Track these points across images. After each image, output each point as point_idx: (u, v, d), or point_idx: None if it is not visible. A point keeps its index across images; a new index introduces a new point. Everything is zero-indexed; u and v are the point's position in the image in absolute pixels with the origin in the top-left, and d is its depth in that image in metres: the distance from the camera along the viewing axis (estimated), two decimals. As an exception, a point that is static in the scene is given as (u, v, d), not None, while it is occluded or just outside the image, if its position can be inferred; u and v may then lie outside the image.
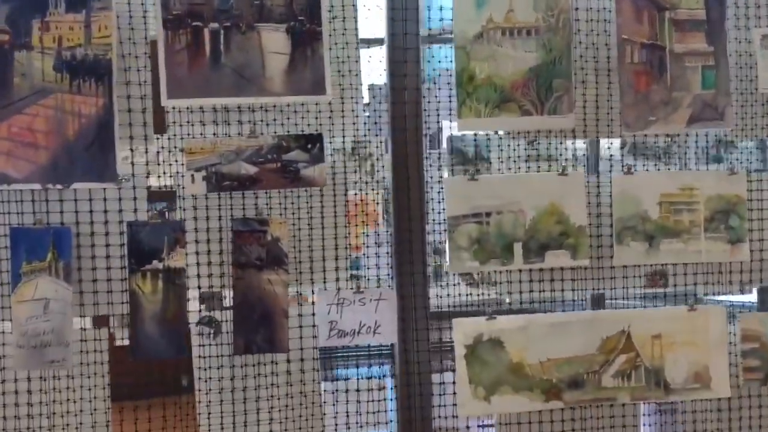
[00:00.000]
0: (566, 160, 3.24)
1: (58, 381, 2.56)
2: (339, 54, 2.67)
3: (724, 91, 2.93)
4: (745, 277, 3.09)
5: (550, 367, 2.90)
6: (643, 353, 2.97)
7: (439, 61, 2.96)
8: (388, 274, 2.82)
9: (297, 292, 2.74)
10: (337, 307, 2.73)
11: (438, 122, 2.85)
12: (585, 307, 3.15)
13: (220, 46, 2.54)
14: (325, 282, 2.74)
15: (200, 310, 2.69)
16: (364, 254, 2.81)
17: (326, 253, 2.72)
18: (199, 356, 2.69)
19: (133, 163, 2.54)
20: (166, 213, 2.76)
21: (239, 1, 2.55)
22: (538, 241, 2.86)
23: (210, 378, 2.70)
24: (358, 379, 2.88)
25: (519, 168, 2.94)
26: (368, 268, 2.82)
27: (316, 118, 2.68)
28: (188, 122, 2.59)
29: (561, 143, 3.30)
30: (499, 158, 3.52)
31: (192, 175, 2.55)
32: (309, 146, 2.62)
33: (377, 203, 3.20)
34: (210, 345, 2.70)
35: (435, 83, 2.78)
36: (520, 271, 2.90)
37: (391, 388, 2.87)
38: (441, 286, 3.01)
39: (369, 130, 2.77)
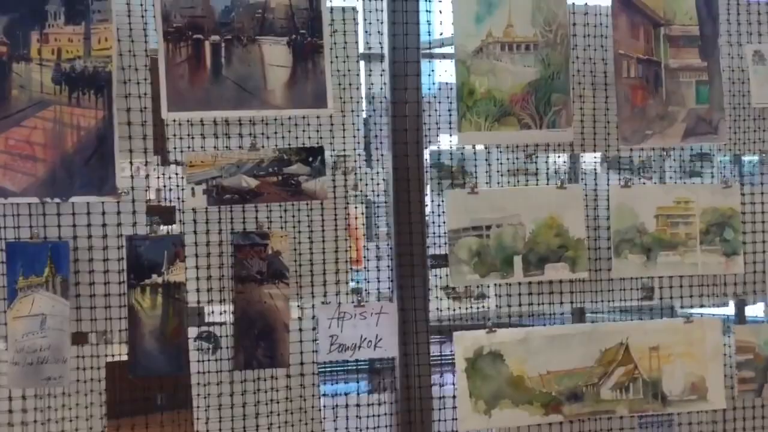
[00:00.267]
0: (558, 173, 3.15)
1: (54, 399, 2.40)
2: (340, 67, 2.57)
3: (718, 106, 2.87)
4: (727, 290, 3.01)
5: (549, 380, 2.80)
6: (641, 365, 2.87)
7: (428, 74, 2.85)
8: (389, 288, 2.70)
9: (297, 306, 2.60)
10: (338, 321, 2.61)
11: (438, 136, 2.74)
12: (565, 321, 3.07)
13: (221, 58, 2.42)
14: (325, 296, 2.62)
15: (199, 326, 2.55)
16: (365, 267, 2.69)
17: (327, 267, 2.60)
18: (198, 372, 2.55)
19: (132, 176, 2.41)
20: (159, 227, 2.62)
21: (240, 13, 2.44)
22: (538, 253, 2.76)
23: (209, 394, 2.55)
24: (357, 393, 2.75)
25: (508, 182, 2.85)
26: (369, 282, 2.70)
27: (317, 131, 2.56)
28: (189, 135, 2.47)
29: (546, 158, 3.22)
30: (487, 172, 3.43)
31: (192, 189, 2.43)
32: (310, 159, 2.50)
33: (355, 218, 3.09)
34: (209, 360, 2.56)
35: (435, 97, 2.67)
36: (510, 284, 2.79)
37: (392, 403, 2.74)
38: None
39: (370, 143, 2.66)
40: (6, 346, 2.33)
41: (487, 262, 2.72)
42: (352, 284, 2.71)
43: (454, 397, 2.76)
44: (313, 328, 2.63)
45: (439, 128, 2.72)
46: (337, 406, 2.72)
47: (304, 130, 2.55)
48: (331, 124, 2.58)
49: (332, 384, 3.25)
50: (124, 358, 2.45)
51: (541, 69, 2.70)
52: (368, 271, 2.70)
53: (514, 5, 2.68)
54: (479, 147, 2.90)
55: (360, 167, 2.67)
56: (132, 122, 2.42)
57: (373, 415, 2.72)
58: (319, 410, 2.66)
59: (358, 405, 2.73)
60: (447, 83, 2.72)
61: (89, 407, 2.44)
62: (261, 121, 2.51)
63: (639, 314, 3.29)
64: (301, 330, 2.62)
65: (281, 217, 2.56)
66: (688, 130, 2.86)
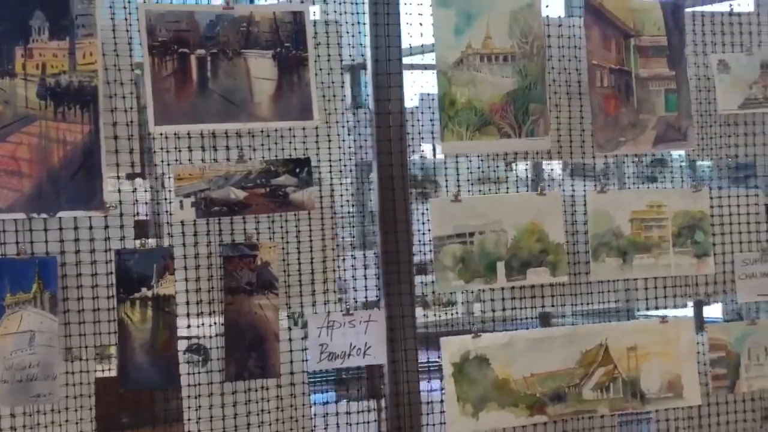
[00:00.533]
0: (522, 181, 3.12)
1: (44, 416, 2.28)
2: (324, 79, 2.50)
3: (686, 113, 2.87)
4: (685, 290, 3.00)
5: (533, 382, 2.76)
6: (620, 365, 2.85)
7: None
8: (377, 296, 2.64)
9: (287, 316, 2.52)
10: (327, 330, 2.53)
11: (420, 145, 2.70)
12: (533, 326, 3.02)
13: (207, 72, 2.35)
14: (314, 305, 2.54)
15: (189, 338, 2.45)
16: (352, 276, 2.62)
17: (315, 276, 2.53)
18: (189, 384, 2.45)
19: (120, 191, 2.31)
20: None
21: (225, 27, 2.37)
22: (520, 259, 2.72)
23: (200, 406, 2.45)
24: (347, 401, 2.68)
25: (469, 190, 2.82)
26: (356, 290, 2.63)
27: (303, 142, 2.50)
28: (176, 148, 2.38)
29: (506, 167, 3.18)
30: (462, 180, 3.38)
31: (181, 201, 2.34)
32: (297, 170, 2.43)
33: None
34: (199, 373, 2.46)
35: (418, 107, 2.63)
36: (493, 290, 2.74)
37: (382, 410, 2.67)
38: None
39: (355, 153, 2.60)
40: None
41: (471, 268, 2.68)
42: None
43: (441, 401, 2.70)
44: (303, 338, 2.55)
45: (422, 138, 2.67)
46: (327, 414, 2.64)
47: (290, 142, 2.48)
48: (317, 135, 2.51)
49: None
50: (114, 372, 2.34)
51: (518, 79, 2.67)
52: (356, 279, 2.63)
53: (491, 18, 2.65)
54: (439, 156, 2.86)
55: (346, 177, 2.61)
56: (118, 136, 2.33)
57: (364, 422, 2.64)
58: (311, 419, 2.58)
59: (348, 412, 2.65)
60: (429, 94, 2.68)
61: (79, 423, 2.33)
62: (248, 133, 2.43)
63: (602, 317, 3.28)
64: (290, 340, 2.53)
65: (269, 228, 2.48)
66: (658, 136, 2.85)
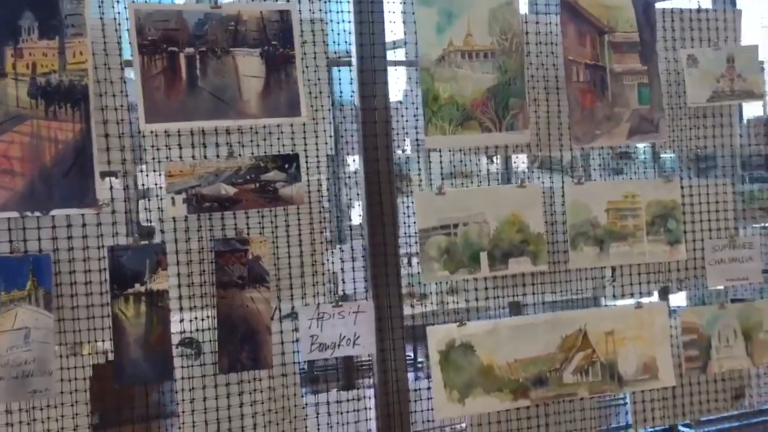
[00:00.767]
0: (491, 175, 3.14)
1: (40, 411, 2.25)
2: (310, 76, 2.50)
3: (658, 106, 2.92)
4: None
5: (517, 368, 2.78)
6: (598, 349, 2.89)
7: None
8: (365, 288, 2.64)
9: (277, 308, 2.52)
10: (318, 321, 2.53)
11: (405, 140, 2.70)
12: (503, 315, 3.04)
13: (196, 70, 2.33)
14: (304, 297, 2.54)
15: (182, 332, 2.44)
16: (341, 269, 2.62)
17: (305, 269, 2.52)
18: (182, 377, 2.44)
19: (111, 188, 2.28)
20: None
21: (214, 26, 2.35)
22: (502, 249, 2.75)
23: (194, 399, 2.44)
24: (337, 391, 2.68)
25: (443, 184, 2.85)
26: (345, 282, 2.63)
27: (291, 138, 2.49)
28: (166, 146, 2.36)
29: (478, 161, 3.21)
30: (431, 175, 3.41)
31: (172, 198, 2.32)
32: (286, 166, 2.43)
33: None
34: (192, 366, 2.45)
35: (402, 103, 2.63)
36: (486, 278, 2.77)
37: (371, 398, 2.67)
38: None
39: (342, 148, 2.59)
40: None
41: (456, 258, 2.70)
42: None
43: (429, 388, 2.71)
44: (293, 330, 2.55)
45: (406, 133, 2.67)
46: (318, 403, 2.64)
47: (278, 138, 2.47)
48: (304, 132, 2.51)
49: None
50: (110, 366, 2.31)
51: (498, 75, 2.69)
52: (344, 272, 2.63)
53: (472, 16, 2.66)
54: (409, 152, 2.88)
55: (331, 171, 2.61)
56: (109, 134, 2.30)
57: (354, 410, 2.65)
58: (303, 408, 2.58)
59: (338, 401, 2.66)
60: (412, 90, 2.68)
61: (75, 417, 2.30)
62: (237, 130, 2.42)
63: (578, 305, 3.32)
64: (281, 332, 2.53)
65: (259, 222, 2.47)
66: (632, 129, 2.89)
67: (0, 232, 2.22)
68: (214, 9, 2.35)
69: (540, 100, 2.82)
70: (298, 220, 2.52)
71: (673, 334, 3.02)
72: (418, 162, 2.80)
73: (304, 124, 2.49)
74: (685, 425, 3.48)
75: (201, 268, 2.42)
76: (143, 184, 2.36)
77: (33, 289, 2.19)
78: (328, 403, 2.63)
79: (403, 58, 2.80)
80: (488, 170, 3.11)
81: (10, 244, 2.21)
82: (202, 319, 2.45)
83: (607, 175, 3.59)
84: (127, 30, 2.27)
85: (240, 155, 2.41)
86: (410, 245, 2.85)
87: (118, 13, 2.27)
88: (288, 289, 2.52)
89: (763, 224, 3.22)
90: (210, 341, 2.44)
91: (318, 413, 2.62)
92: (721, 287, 3.23)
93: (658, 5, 2.96)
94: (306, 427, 2.58)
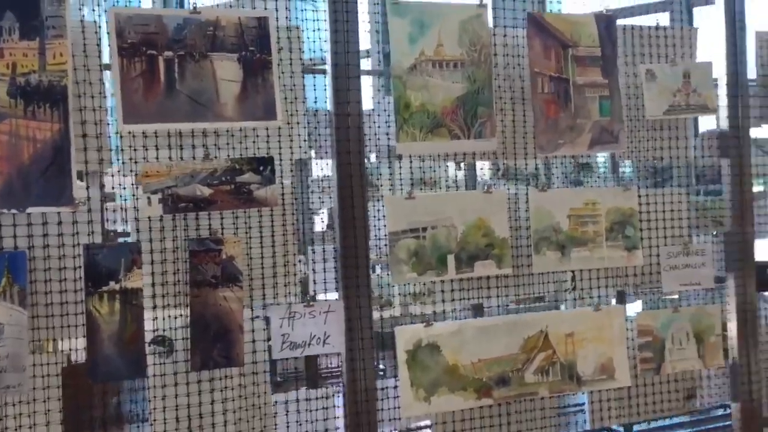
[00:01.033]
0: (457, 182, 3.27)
1: (12, 407, 2.28)
2: (286, 82, 2.58)
3: (618, 118, 3.06)
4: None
5: (481, 368, 2.89)
6: (558, 350, 3.01)
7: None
8: (336, 288, 2.72)
9: (250, 307, 2.58)
10: (289, 320, 2.60)
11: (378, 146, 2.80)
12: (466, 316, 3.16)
13: (175, 73, 2.39)
14: (276, 297, 2.61)
15: (155, 330, 2.49)
16: (312, 270, 2.70)
17: (277, 270, 2.59)
18: (154, 375, 2.49)
19: (88, 187, 2.33)
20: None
21: (192, 31, 2.41)
22: (468, 252, 2.85)
23: (165, 396, 2.49)
24: (306, 389, 2.75)
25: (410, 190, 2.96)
26: (316, 283, 2.71)
27: (266, 141, 2.56)
28: (144, 147, 2.41)
29: (446, 168, 3.34)
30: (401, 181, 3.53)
31: (148, 198, 2.37)
32: (261, 168, 2.50)
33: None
34: (164, 364, 2.50)
35: (374, 110, 2.72)
36: (452, 281, 2.88)
37: (339, 396, 2.75)
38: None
39: (315, 153, 2.67)
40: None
41: (424, 261, 2.79)
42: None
43: (396, 387, 2.80)
44: (265, 329, 2.61)
45: (378, 139, 2.76)
46: (288, 401, 2.71)
47: (254, 141, 2.54)
48: (279, 135, 2.58)
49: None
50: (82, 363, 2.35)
51: (468, 85, 2.80)
52: (315, 273, 2.71)
53: (443, 27, 2.77)
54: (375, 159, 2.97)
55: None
56: (87, 134, 2.34)
57: (322, 408, 2.72)
58: (272, 406, 2.64)
59: (307, 399, 2.73)
60: (384, 98, 2.77)
61: (47, 414, 2.33)
62: (214, 132, 2.49)
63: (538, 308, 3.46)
64: (253, 330, 2.60)
65: (234, 223, 2.54)
66: (593, 139, 3.03)
67: (-24, 229, 2.24)
68: (193, 14, 2.41)
69: (506, 109, 2.94)
70: (272, 221, 2.59)
71: (629, 336, 3.16)
72: (389, 168, 2.89)
73: (279, 128, 2.57)
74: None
75: (175, 267, 2.47)
76: (120, 184, 2.40)
77: (8, 286, 2.23)
78: (297, 401, 2.70)
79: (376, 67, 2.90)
80: (456, 177, 3.23)
81: (-14, 240, 2.24)
82: (176, 318, 2.50)
83: (569, 185, 3.75)
84: (108, 33, 2.31)
85: (216, 157, 2.47)
86: (377, 251, 2.95)
87: (99, 16, 2.32)
88: (260, 289, 2.59)
89: (714, 233, 3.38)
90: (183, 339, 2.49)
91: (287, 411, 2.68)
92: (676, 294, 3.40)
93: (620, 22, 3.10)
94: (275, 424, 2.65)
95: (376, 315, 3.18)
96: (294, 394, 2.73)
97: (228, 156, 2.50)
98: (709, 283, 3.30)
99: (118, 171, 2.41)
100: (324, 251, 2.73)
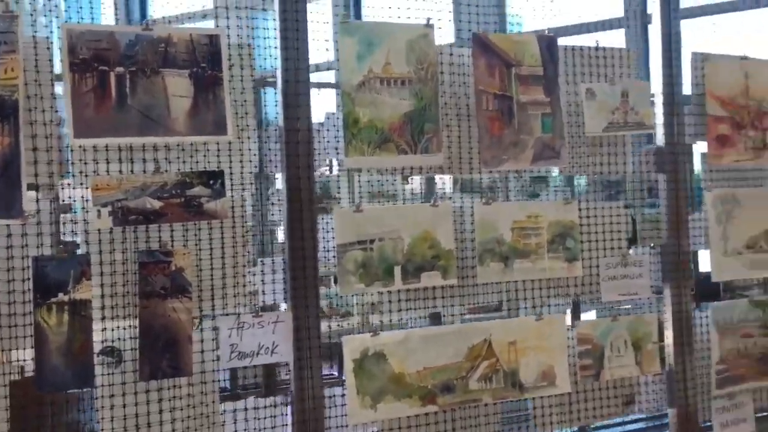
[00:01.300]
0: (415, 195, 3.40)
1: (-40, 418, 2.33)
2: (237, 97, 2.67)
3: (560, 135, 3.22)
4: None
5: (426, 376, 3.01)
6: (501, 358, 3.15)
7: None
8: (284, 299, 2.82)
9: (199, 318, 2.66)
10: (238, 330, 2.69)
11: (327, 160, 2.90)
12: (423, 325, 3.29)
13: (126, 88, 2.46)
14: (225, 308, 2.69)
15: (104, 341, 2.55)
16: (261, 281, 2.79)
17: (227, 281, 2.68)
18: (103, 385, 2.55)
19: (38, 200, 2.38)
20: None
21: (144, 47, 2.49)
22: (415, 263, 2.98)
23: (113, 406, 2.55)
24: (255, 398, 2.84)
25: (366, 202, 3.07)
26: (265, 294, 2.80)
27: (217, 156, 2.65)
28: (94, 160, 2.48)
29: (403, 182, 3.48)
30: (359, 194, 3.67)
31: (98, 211, 2.44)
32: (211, 182, 2.58)
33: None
34: (113, 374, 2.56)
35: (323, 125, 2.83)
36: (390, 292, 2.99)
37: (287, 405, 2.84)
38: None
39: (265, 167, 2.76)
40: None
41: (371, 272, 2.91)
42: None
43: (343, 395, 2.91)
44: (214, 339, 2.69)
45: (327, 153, 2.86)
46: (236, 410, 2.79)
47: (204, 155, 2.63)
48: (230, 150, 2.67)
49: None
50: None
51: (415, 102, 2.93)
52: (264, 284, 2.80)
53: (391, 46, 2.89)
54: (336, 172, 3.07)
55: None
56: (38, 148, 2.40)
57: (270, 417, 2.81)
58: (221, 414, 2.72)
59: (255, 408, 2.81)
60: (333, 113, 2.88)
61: (-5, 425, 2.38)
62: (164, 147, 2.56)
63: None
64: (202, 341, 2.67)
65: (184, 236, 2.61)
66: (536, 155, 3.18)
67: (-77, 241, 2.28)
68: (145, 31, 2.49)
69: (453, 125, 3.07)
70: (222, 234, 2.67)
71: (570, 345, 3.32)
72: (348, 181, 3.00)
73: (230, 143, 2.65)
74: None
75: (125, 278, 2.54)
76: (70, 197, 2.46)
77: (-44, 298, 2.27)
78: (245, 409, 2.78)
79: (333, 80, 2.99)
80: (412, 190, 3.35)
81: (-67, 253, 2.28)
82: (125, 328, 2.57)
83: (525, 197, 3.91)
84: (60, 49, 2.37)
85: (167, 171, 2.55)
86: (335, 265, 3.03)
87: (51, 31, 2.38)
88: (210, 300, 2.67)
89: (652, 245, 3.57)
90: (132, 350, 2.55)
91: (236, 420, 2.76)
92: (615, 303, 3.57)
93: (561, 42, 3.26)
94: (224, 433, 2.73)
95: (334, 325, 3.29)
96: (243, 403, 2.81)
97: (179, 170, 2.57)
98: (646, 293, 3.48)
99: (68, 184, 2.47)
100: (273, 263, 2.82)
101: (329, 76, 2.89)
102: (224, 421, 2.74)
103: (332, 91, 2.84)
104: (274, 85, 2.78)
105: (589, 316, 3.84)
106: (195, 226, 2.62)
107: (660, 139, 3.50)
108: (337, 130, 2.82)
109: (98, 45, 2.42)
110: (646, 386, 3.57)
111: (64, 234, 2.55)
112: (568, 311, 4.20)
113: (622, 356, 3.42)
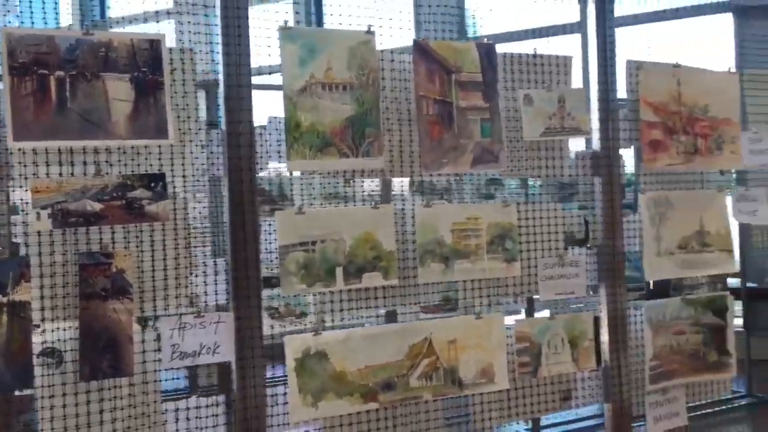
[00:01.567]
0: (370, 196, 3.50)
1: None
2: (179, 101, 2.72)
3: (498, 139, 3.34)
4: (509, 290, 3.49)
5: (367, 374, 3.10)
6: (442, 356, 3.26)
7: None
8: (226, 300, 2.88)
9: (141, 318, 2.71)
10: (179, 331, 2.74)
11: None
12: (380, 323, 3.39)
13: (66, 92, 2.50)
14: (167, 309, 2.74)
15: (44, 342, 2.58)
16: (204, 282, 2.85)
17: (169, 282, 2.73)
18: (43, 386, 2.58)
19: (-23, 202, 2.41)
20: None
21: (85, 51, 2.52)
22: (356, 264, 3.06)
23: (53, 406, 2.59)
24: (197, 397, 2.89)
25: (320, 204, 3.14)
26: (207, 295, 2.85)
27: (159, 159, 2.70)
28: (34, 163, 2.51)
29: (361, 182, 3.58)
30: (301, 196, 3.74)
31: (38, 213, 2.47)
32: (152, 185, 2.63)
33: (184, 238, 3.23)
34: (53, 375, 2.59)
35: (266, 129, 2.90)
36: (341, 291, 3.08)
37: (229, 404, 2.90)
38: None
39: (207, 169, 2.82)
40: None
41: (313, 273, 2.98)
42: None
43: (285, 394, 2.98)
44: (155, 339, 2.74)
45: (269, 156, 2.93)
46: (178, 410, 2.84)
47: (146, 158, 2.67)
48: (171, 153, 2.72)
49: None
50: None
51: (356, 106, 3.02)
52: (207, 285, 2.85)
53: (332, 52, 2.97)
54: (297, 173, 3.15)
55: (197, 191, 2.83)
56: (-24, 150, 2.42)
57: (213, 416, 2.87)
58: (162, 414, 2.77)
59: (197, 407, 2.87)
60: (276, 117, 2.94)
61: (-69, 427, 2.40)
62: (105, 150, 2.60)
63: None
64: (143, 341, 2.72)
65: (125, 237, 2.66)
66: (475, 159, 3.30)
67: None
68: (85, 35, 2.53)
69: (394, 130, 3.17)
70: (164, 235, 2.72)
71: (508, 342, 3.44)
72: (301, 183, 3.06)
73: (171, 146, 2.70)
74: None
75: (65, 280, 2.57)
76: (11, 200, 2.49)
77: None
78: (187, 409, 2.83)
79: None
80: (365, 193, 3.43)
81: None
82: (65, 330, 2.60)
83: (481, 199, 4.01)
84: (-1, 52, 2.40)
85: (107, 173, 2.59)
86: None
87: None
88: (152, 301, 2.72)
89: (588, 245, 3.72)
90: (72, 351, 2.59)
91: (177, 419, 2.82)
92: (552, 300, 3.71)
93: (500, 50, 3.38)
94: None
95: (291, 326, 3.33)
96: (184, 402, 2.86)
97: (120, 172, 2.62)
98: (581, 292, 3.63)
99: (9, 186, 2.49)
100: (216, 264, 2.88)
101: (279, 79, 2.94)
102: (165, 421, 2.79)
103: (281, 94, 2.89)
104: (215, 85, 2.83)
105: (545, 314, 3.97)
106: (136, 228, 2.66)
107: (595, 143, 3.64)
108: (279, 134, 2.88)
109: (38, 49, 2.45)
110: (582, 382, 3.71)
111: (16, 236, 2.57)
112: (522, 310, 4.37)
113: (559, 353, 3.56)
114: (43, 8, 2.63)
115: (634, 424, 3.80)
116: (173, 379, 3.33)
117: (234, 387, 2.88)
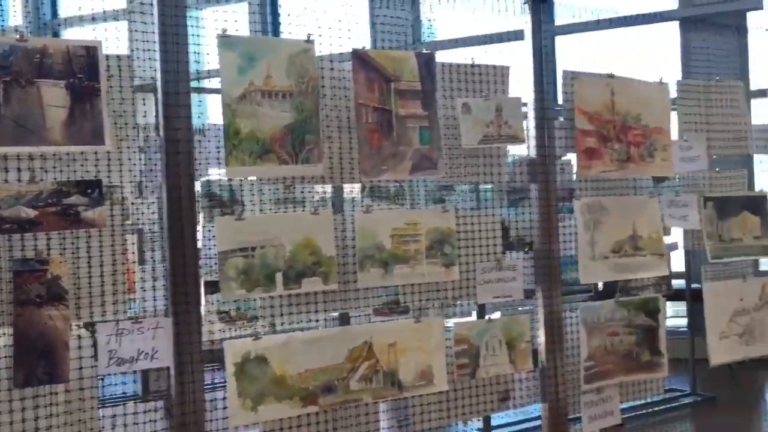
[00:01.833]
0: (315, 202, 3.55)
1: None
2: (116, 108, 2.72)
3: (437, 147, 3.42)
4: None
5: (307, 377, 3.15)
6: (382, 359, 3.32)
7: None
8: (165, 305, 2.89)
9: (77, 325, 2.71)
10: (116, 337, 2.75)
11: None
12: (334, 325, 3.46)
13: (0, 98, 2.48)
14: (104, 315, 2.75)
15: (-24, 349, 2.56)
16: (142, 288, 2.86)
17: (106, 288, 2.73)
18: (-24, 394, 2.56)
19: None
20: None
21: (19, 57, 2.52)
22: (296, 270, 3.10)
23: (-13, 414, 2.57)
24: (135, 402, 2.90)
25: (270, 209, 3.18)
26: (146, 300, 2.86)
27: (96, 165, 2.70)
28: (-35, 169, 2.49)
29: (312, 188, 3.62)
30: (253, 201, 3.78)
31: (-30, 219, 2.45)
32: (89, 191, 2.63)
33: (133, 243, 3.26)
34: (-14, 382, 2.58)
35: (205, 135, 2.92)
36: (281, 296, 3.12)
37: (166, 408, 2.92)
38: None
39: (145, 176, 2.83)
40: None
41: (253, 278, 3.02)
42: (130, 311, 2.84)
43: (224, 398, 3.00)
44: (92, 345, 2.74)
45: (209, 163, 2.95)
46: (115, 416, 2.84)
47: (82, 165, 2.67)
48: (108, 159, 2.72)
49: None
50: None
51: (295, 114, 3.06)
52: (145, 290, 2.86)
53: (272, 60, 3.01)
54: (250, 179, 3.18)
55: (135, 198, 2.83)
56: None
57: (151, 421, 2.88)
58: (99, 420, 2.77)
59: (135, 413, 2.87)
60: (215, 124, 2.97)
61: None
62: (40, 156, 2.59)
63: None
64: (80, 347, 2.72)
65: (61, 244, 2.65)
66: (414, 165, 3.37)
67: None
68: (20, 42, 2.52)
69: (333, 137, 3.22)
70: (100, 241, 2.73)
71: (447, 345, 3.52)
72: (251, 188, 3.08)
73: (108, 152, 2.71)
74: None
75: (-1, 287, 2.56)
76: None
77: None
78: (124, 414, 2.84)
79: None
80: (319, 197, 3.45)
81: None
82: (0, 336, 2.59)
83: (432, 203, 4.08)
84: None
85: (42, 180, 2.59)
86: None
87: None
88: (88, 308, 2.71)
89: (525, 249, 3.82)
90: (6, 357, 2.58)
91: (114, 425, 2.82)
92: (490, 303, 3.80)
93: (439, 59, 3.46)
94: (103, 438, 2.78)
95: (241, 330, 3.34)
96: (122, 408, 2.86)
97: (55, 179, 2.61)
98: (519, 295, 3.73)
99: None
100: (154, 270, 2.89)
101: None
102: (102, 426, 2.79)
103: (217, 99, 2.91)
104: (152, 90, 2.84)
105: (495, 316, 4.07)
106: (72, 234, 2.66)
107: (532, 150, 3.75)
108: (219, 140, 2.91)
109: (-30, 54, 2.44)
110: (520, 383, 3.81)
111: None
112: (474, 312, 4.46)
113: (496, 355, 3.65)
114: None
115: (571, 424, 3.91)
116: (122, 383, 3.33)
117: (172, 392, 2.89)
